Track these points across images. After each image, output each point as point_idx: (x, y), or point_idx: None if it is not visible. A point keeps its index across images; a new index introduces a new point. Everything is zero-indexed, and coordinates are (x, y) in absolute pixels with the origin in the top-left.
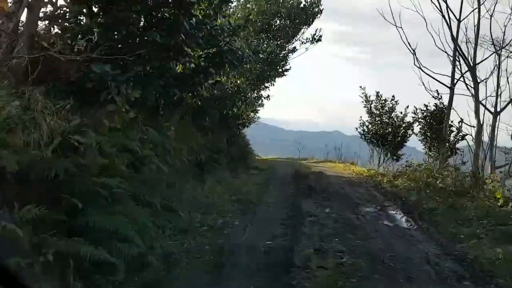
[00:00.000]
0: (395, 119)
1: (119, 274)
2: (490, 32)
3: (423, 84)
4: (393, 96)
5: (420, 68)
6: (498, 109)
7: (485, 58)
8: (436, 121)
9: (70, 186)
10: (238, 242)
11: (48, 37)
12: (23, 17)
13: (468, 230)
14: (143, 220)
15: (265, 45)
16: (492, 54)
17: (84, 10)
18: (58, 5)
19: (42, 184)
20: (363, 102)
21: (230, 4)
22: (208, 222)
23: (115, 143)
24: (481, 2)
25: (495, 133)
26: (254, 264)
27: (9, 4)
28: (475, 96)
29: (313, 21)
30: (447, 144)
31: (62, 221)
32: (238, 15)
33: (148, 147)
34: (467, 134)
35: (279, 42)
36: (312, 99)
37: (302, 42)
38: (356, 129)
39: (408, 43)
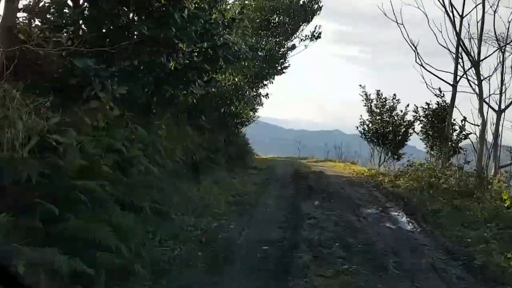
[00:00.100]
0: (395, 118)
1: (99, 286)
2: (494, 28)
3: (425, 82)
4: (394, 95)
5: (421, 65)
6: (502, 107)
7: (490, 55)
8: (438, 120)
9: (46, 190)
10: (232, 248)
11: (28, 30)
12: (1, 9)
13: (475, 233)
14: (129, 226)
15: (264, 42)
16: (496, 50)
17: (69, 2)
18: None
19: (16, 188)
20: (363, 100)
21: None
22: (202, 226)
23: (99, 143)
24: None
25: (499, 132)
26: (249, 272)
27: None
28: (479, 94)
29: (312, 18)
30: (450, 143)
31: (37, 228)
32: (236, 12)
33: (137, 147)
34: (470, 133)
35: (278, 39)
36: (312, 98)
37: (301, 40)
38: (357, 128)
39: (410, 40)
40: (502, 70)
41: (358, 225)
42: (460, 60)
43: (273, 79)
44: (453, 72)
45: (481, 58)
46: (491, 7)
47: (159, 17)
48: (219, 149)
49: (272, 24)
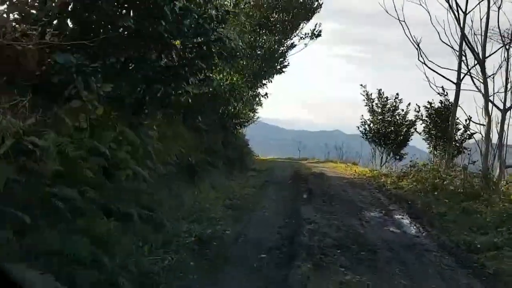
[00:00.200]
0: (397, 118)
1: None
2: (498, 25)
3: (428, 81)
4: (397, 94)
5: (424, 63)
6: (508, 106)
7: (495, 51)
8: (441, 119)
9: (20, 198)
10: (227, 256)
11: (4, 24)
12: None
13: (485, 238)
14: (114, 235)
15: (262, 40)
16: (501, 47)
17: None
18: None
19: None
20: (364, 100)
21: None
22: (196, 232)
23: (81, 145)
24: None
25: (504, 131)
26: (244, 284)
27: None
28: (485, 92)
29: (312, 16)
30: (453, 143)
31: (9, 240)
32: (231, 5)
33: (125, 149)
34: (475, 133)
35: (277, 38)
36: (312, 98)
37: (301, 38)
38: (358, 128)
39: (413, 37)
40: (507, 68)
41: (361, 230)
42: (463, 58)
43: (272, 78)
44: (456, 70)
45: (486, 55)
46: (494, 3)
47: (148, 10)
48: (217, 151)
49: (271, 21)
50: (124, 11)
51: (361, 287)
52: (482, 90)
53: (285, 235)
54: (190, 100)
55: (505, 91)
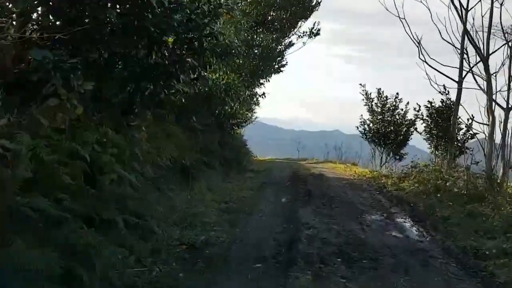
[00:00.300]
0: (397, 117)
1: None
2: (501, 22)
3: (429, 79)
4: (397, 94)
5: (425, 61)
6: (511, 104)
7: (498, 48)
8: (442, 118)
9: None
10: (220, 266)
11: None
12: None
13: (493, 244)
14: (93, 246)
15: (260, 39)
16: (504, 45)
17: None
18: None
19: None
20: (363, 100)
21: None
22: (188, 239)
23: (59, 148)
24: None
25: (508, 130)
26: None
27: None
28: (488, 90)
29: (310, 14)
30: (455, 142)
31: None
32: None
33: (110, 152)
34: (478, 132)
35: (274, 36)
36: (311, 97)
37: (299, 36)
38: (357, 128)
39: (414, 33)
40: (510, 65)
41: (362, 236)
42: (465, 56)
43: (270, 77)
44: (458, 67)
45: (490, 52)
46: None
47: (133, 2)
48: (213, 151)
49: (268, 19)
50: (109, 4)
51: None
52: (485, 89)
53: (282, 241)
54: (183, 100)
55: (508, 90)
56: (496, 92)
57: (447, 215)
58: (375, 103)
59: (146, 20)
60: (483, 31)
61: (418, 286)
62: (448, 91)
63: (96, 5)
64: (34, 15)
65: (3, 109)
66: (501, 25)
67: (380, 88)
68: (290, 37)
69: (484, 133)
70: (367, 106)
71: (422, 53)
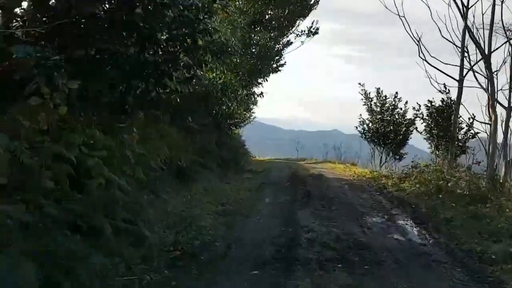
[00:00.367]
0: (396, 117)
1: None
2: (502, 19)
3: (429, 77)
4: (396, 93)
5: (425, 59)
6: None
7: (500, 46)
8: (443, 118)
9: None
10: (215, 273)
11: None
12: None
13: (499, 247)
14: (78, 254)
15: (257, 37)
16: (505, 42)
17: None
18: None
19: None
20: (362, 99)
21: None
22: (183, 244)
23: (41, 151)
24: None
25: (510, 129)
26: None
27: None
28: (491, 88)
29: (309, 13)
30: (456, 142)
31: None
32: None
33: (98, 154)
34: (479, 132)
35: (272, 35)
36: (311, 97)
37: (297, 35)
38: (356, 127)
39: (414, 30)
40: None
41: (363, 239)
42: (465, 55)
43: (268, 77)
44: (459, 65)
45: (492, 49)
46: None
47: None
48: (211, 152)
49: (266, 18)
50: None
51: None
52: (487, 87)
53: (280, 246)
54: (178, 100)
55: (510, 88)
56: (498, 90)
57: (449, 216)
58: (374, 103)
59: (135, 15)
60: (483, 29)
61: None
62: (448, 90)
63: None
64: (18, 10)
65: None
66: (502, 22)
67: (379, 88)
68: (288, 36)
69: (486, 132)
70: (366, 106)
71: (422, 52)
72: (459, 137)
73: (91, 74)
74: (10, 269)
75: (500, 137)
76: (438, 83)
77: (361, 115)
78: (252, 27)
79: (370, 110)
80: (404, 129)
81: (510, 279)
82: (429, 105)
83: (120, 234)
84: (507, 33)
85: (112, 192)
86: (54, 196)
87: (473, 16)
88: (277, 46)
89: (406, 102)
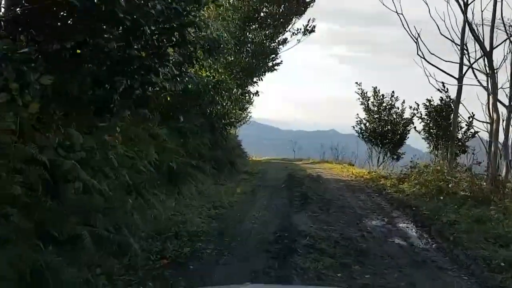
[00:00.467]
0: (394, 116)
1: None
2: (502, 16)
3: (427, 76)
4: (392, 92)
5: (423, 57)
6: None
7: (500, 44)
8: (442, 117)
9: None
10: (204, 285)
11: None
12: None
13: (507, 253)
14: (50, 267)
15: (252, 35)
16: (506, 40)
17: None
18: None
19: None
20: (359, 99)
21: None
22: (171, 252)
23: (8, 153)
24: None
25: (511, 128)
26: None
27: None
28: (492, 86)
29: (305, 10)
30: (456, 142)
31: None
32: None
33: (76, 157)
34: (478, 131)
35: (268, 32)
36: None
37: (293, 33)
38: (353, 127)
39: (413, 27)
40: None
41: (363, 244)
42: (464, 52)
43: (264, 76)
44: (458, 62)
45: (494, 45)
46: None
47: None
48: (204, 153)
49: (261, 16)
50: None
51: None
52: (488, 85)
53: (275, 254)
54: (169, 98)
55: (511, 86)
56: (498, 89)
57: (453, 220)
58: (372, 102)
59: (116, 6)
60: (482, 25)
61: None
62: (447, 89)
63: None
64: None
65: None
66: (502, 19)
67: (376, 87)
68: (284, 34)
69: (487, 131)
70: (364, 105)
71: (420, 49)
72: (459, 137)
73: (69, 70)
74: None
75: (500, 137)
76: (436, 81)
77: (358, 114)
78: (247, 24)
79: (367, 110)
80: (401, 128)
81: None
82: (427, 104)
83: (101, 243)
84: (508, 29)
85: (91, 197)
86: (24, 204)
87: (472, 13)
88: (273, 44)
89: (404, 102)
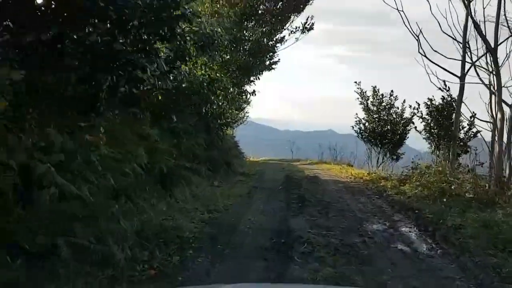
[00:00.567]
0: (394, 116)
1: None
2: (505, 14)
3: (430, 73)
4: (391, 91)
5: (424, 55)
6: None
7: (503, 41)
8: (443, 116)
9: None
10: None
11: None
12: None
13: None
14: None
15: (249, 33)
16: (509, 37)
17: None
18: None
19: None
20: (358, 98)
21: None
22: (159, 261)
23: None
24: None
25: None
26: None
27: None
28: (497, 84)
29: (303, 8)
30: (458, 142)
31: None
32: None
33: (54, 160)
34: (481, 130)
35: (265, 30)
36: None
37: (291, 32)
38: (352, 127)
39: (415, 23)
40: None
41: (365, 251)
42: (467, 51)
43: (261, 75)
44: (460, 60)
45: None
46: None
47: None
48: (199, 155)
49: (259, 12)
50: None
51: None
52: (493, 82)
53: (271, 262)
54: (160, 97)
55: None
56: (501, 87)
57: (458, 224)
58: (371, 102)
59: None
60: (485, 22)
61: None
62: (448, 88)
63: None
64: None
65: None
66: (505, 16)
67: (375, 86)
68: (282, 32)
69: (490, 130)
70: (363, 105)
71: (421, 47)
72: (461, 137)
73: (45, 65)
74: None
75: (504, 137)
76: (438, 78)
77: (357, 114)
78: (244, 21)
79: (367, 109)
80: (401, 128)
81: None
82: (429, 103)
83: (82, 253)
84: (509, 27)
85: (69, 204)
86: None
87: (474, 10)
88: (270, 42)
89: (404, 101)
